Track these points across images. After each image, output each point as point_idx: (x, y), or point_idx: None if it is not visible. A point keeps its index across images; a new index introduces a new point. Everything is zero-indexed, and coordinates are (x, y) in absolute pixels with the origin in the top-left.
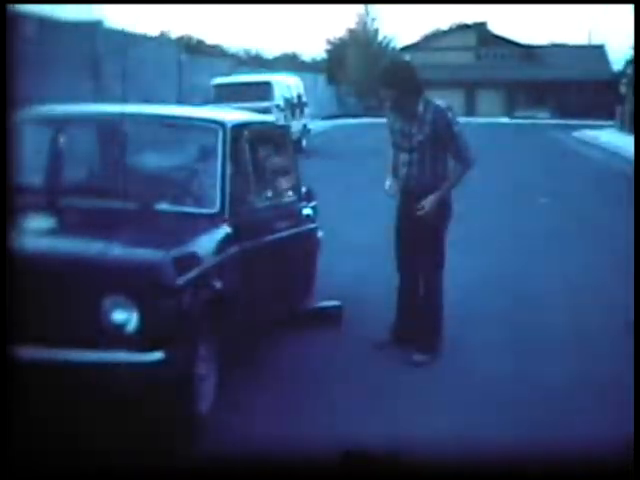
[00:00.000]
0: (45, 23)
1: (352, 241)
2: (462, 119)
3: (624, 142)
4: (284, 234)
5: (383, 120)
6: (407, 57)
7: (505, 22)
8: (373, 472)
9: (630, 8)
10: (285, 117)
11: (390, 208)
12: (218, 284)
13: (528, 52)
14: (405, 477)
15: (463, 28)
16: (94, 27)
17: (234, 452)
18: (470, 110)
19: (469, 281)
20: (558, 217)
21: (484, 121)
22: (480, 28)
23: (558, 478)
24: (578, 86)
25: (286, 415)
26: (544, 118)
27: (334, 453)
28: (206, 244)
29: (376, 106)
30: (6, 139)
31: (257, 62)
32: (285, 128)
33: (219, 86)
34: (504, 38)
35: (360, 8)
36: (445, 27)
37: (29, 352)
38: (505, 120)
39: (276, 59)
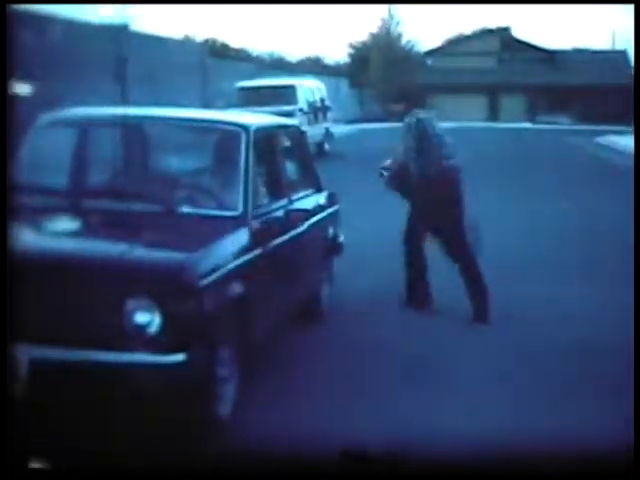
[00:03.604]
0: (72, 26)
1: (373, 246)
2: (484, 124)
3: None
4: (305, 237)
5: None
6: (430, 61)
7: (528, 27)
8: (373, 472)
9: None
10: (308, 121)
11: None
12: (240, 286)
13: (551, 57)
14: (405, 477)
15: (486, 33)
16: (120, 30)
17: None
18: (493, 115)
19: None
20: (576, 220)
21: (506, 126)
22: (503, 33)
23: (558, 478)
24: (601, 91)
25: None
26: (566, 124)
27: (334, 453)
28: (229, 247)
29: (399, 111)
30: (6, 140)
31: (280, 65)
32: (304, 132)
33: (243, 89)
34: (527, 43)
35: (384, 12)
36: (468, 32)
37: (51, 352)
38: (527, 125)
39: (299, 62)
